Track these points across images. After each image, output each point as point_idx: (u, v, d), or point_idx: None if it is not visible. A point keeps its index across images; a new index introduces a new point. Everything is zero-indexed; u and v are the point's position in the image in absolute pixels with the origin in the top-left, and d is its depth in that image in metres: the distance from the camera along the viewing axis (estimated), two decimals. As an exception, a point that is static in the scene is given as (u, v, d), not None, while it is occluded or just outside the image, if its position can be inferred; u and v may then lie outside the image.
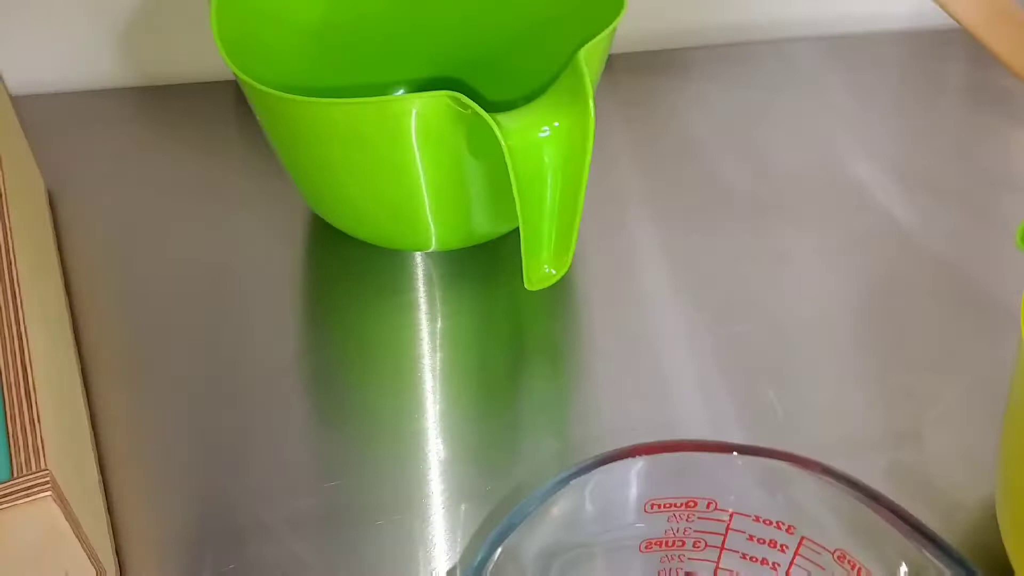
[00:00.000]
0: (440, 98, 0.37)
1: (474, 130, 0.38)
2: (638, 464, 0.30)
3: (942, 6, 0.49)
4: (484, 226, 0.46)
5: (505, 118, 0.37)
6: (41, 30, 0.55)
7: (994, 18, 0.49)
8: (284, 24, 0.48)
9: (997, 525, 0.38)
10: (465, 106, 0.37)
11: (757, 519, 0.32)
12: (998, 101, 0.58)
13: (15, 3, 0.54)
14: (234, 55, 0.41)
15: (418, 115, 0.38)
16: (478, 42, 0.51)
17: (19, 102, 0.52)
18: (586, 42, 0.39)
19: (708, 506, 0.32)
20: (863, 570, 0.31)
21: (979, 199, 0.53)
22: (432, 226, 0.44)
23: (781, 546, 0.32)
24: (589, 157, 0.38)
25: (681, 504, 0.32)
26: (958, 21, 0.49)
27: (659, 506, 0.32)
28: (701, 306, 0.47)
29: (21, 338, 0.35)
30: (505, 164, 0.37)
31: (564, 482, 0.30)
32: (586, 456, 0.39)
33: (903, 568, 0.30)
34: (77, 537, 0.32)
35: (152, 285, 0.48)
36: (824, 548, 0.31)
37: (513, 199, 0.38)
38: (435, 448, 0.42)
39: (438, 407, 0.44)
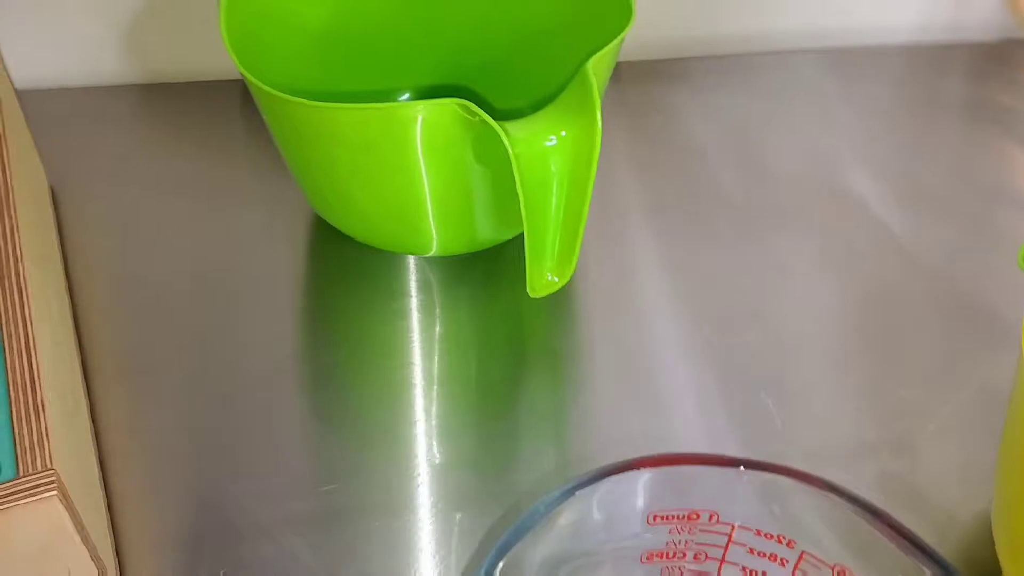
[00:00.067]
0: (448, 105, 0.38)
1: (480, 138, 0.38)
2: (644, 476, 0.30)
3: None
4: (486, 232, 0.46)
5: (512, 126, 0.37)
6: (47, 25, 0.55)
7: None
8: (292, 27, 0.48)
9: (992, 539, 0.38)
10: (473, 114, 0.37)
11: (758, 532, 0.32)
12: (997, 117, 0.59)
13: (22, -2, 0.54)
14: (242, 56, 0.41)
15: (426, 122, 0.38)
16: (484, 49, 0.51)
17: (23, 96, 0.52)
18: (592, 51, 0.39)
19: (710, 519, 0.32)
20: (862, 585, 0.31)
21: (977, 214, 0.53)
22: (434, 231, 0.44)
23: (781, 560, 0.32)
24: (595, 167, 0.38)
25: (683, 516, 0.32)
26: None
27: (662, 518, 0.32)
28: (701, 316, 0.48)
29: (29, 335, 0.35)
30: (509, 172, 0.37)
31: (570, 492, 0.30)
32: (583, 465, 0.39)
33: (902, 584, 0.30)
34: (80, 536, 0.32)
35: (153, 282, 0.48)
36: (824, 563, 0.31)
37: (516, 207, 0.38)
38: (431, 453, 0.42)
39: (436, 411, 0.44)
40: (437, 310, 0.47)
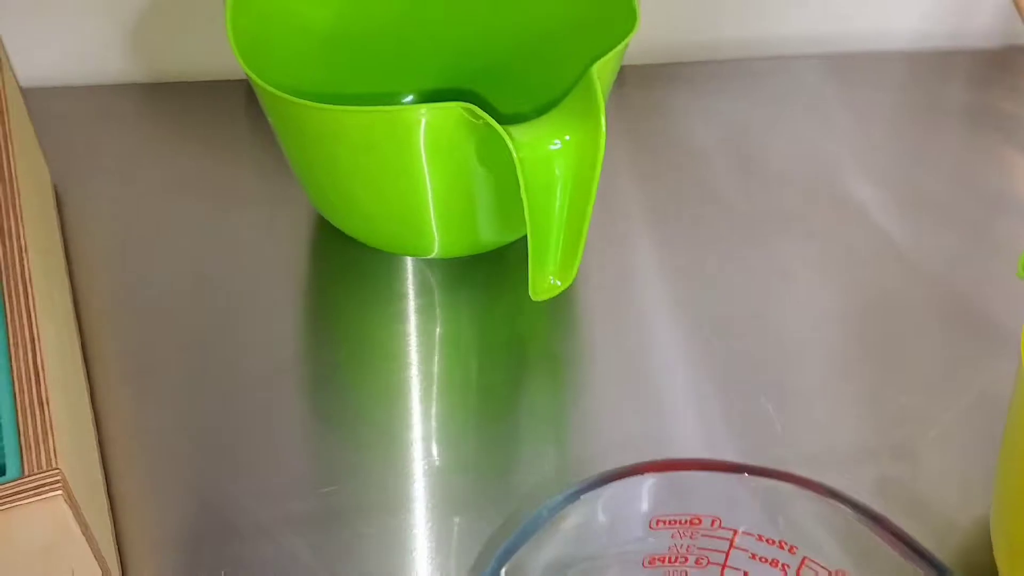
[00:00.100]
0: (453, 109, 0.38)
1: (484, 141, 0.38)
2: (648, 481, 0.31)
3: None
4: (488, 235, 0.46)
5: (517, 130, 0.38)
6: (52, 23, 0.55)
7: None
8: (297, 28, 0.48)
9: (991, 545, 0.38)
10: (477, 117, 0.37)
11: (760, 538, 0.32)
12: (998, 124, 0.59)
13: (27, -4, 0.54)
14: (248, 58, 0.41)
15: (430, 125, 0.38)
16: (488, 52, 0.51)
17: (27, 95, 0.52)
18: (596, 55, 0.39)
19: (713, 524, 0.32)
20: (863, 591, 0.31)
21: (978, 221, 0.53)
22: (436, 233, 0.45)
23: (783, 565, 0.32)
24: (599, 171, 0.38)
25: (686, 521, 0.32)
26: None
27: (664, 522, 0.32)
28: (702, 320, 0.48)
29: (34, 334, 0.35)
30: (512, 175, 0.37)
31: (575, 496, 0.30)
32: (583, 469, 0.39)
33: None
34: (84, 536, 0.32)
35: (155, 282, 0.48)
36: (825, 568, 0.32)
37: (518, 210, 0.38)
38: (431, 455, 0.42)
39: (436, 414, 0.44)
40: (438, 312, 0.47)
